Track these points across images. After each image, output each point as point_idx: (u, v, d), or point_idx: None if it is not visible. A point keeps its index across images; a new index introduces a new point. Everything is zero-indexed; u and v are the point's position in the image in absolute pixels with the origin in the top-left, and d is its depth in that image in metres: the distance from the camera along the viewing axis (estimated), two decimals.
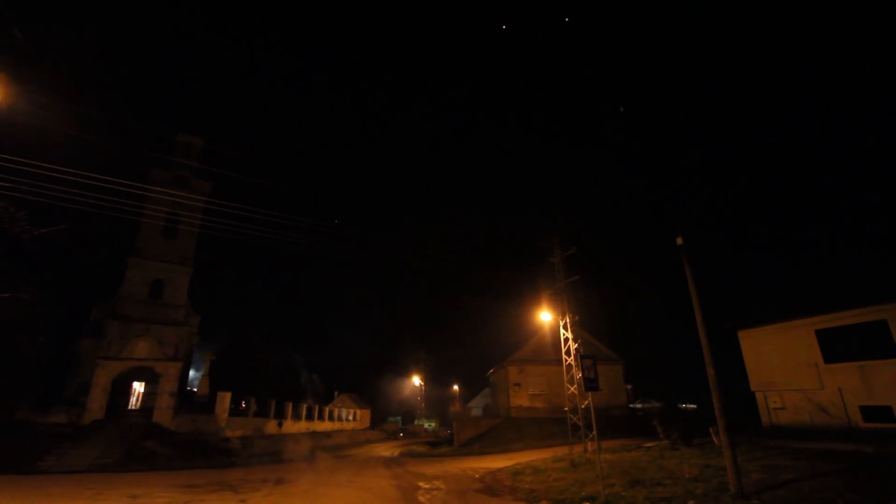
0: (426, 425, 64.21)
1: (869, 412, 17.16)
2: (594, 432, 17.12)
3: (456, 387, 67.73)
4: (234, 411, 30.57)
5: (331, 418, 44.54)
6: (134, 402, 33.02)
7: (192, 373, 41.85)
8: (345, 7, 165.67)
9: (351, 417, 52.04)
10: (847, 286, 19.85)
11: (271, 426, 32.48)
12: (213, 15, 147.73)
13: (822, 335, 19.13)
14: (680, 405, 50.86)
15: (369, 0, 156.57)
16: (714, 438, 18.05)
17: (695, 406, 49.49)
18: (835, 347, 18.64)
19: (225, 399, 29.09)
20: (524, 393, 34.28)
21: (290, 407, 35.40)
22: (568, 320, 21.54)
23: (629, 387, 41.03)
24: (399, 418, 69.49)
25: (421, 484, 15.24)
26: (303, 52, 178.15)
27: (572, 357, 21.38)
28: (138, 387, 33.30)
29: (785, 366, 20.18)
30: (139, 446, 23.21)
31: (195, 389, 37.63)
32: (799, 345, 19.73)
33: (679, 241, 12.41)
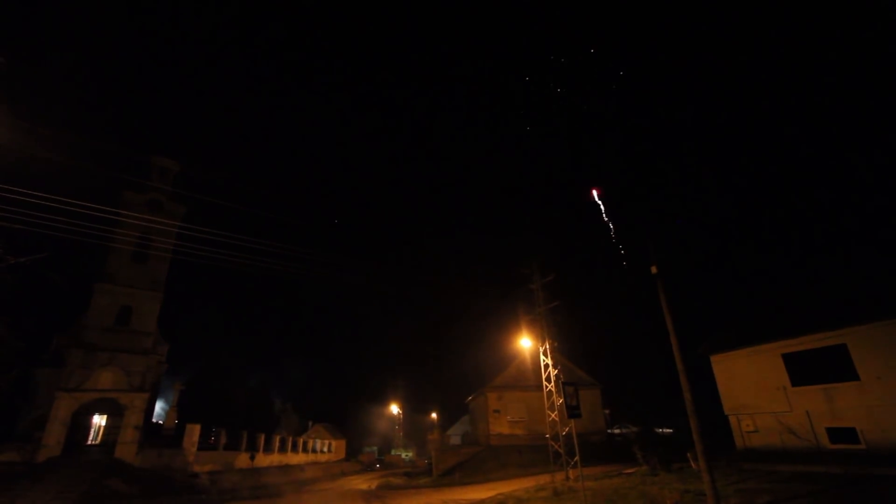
0: (403, 455, 62.55)
1: (835, 434, 17.81)
2: (576, 459, 17.19)
3: (434, 414, 66.54)
4: (204, 444, 29.20)
5: (305, 450, 42.91)
6: (94, 436, 31.14)
7: (158, 404, 39.93)
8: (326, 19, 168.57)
9: (326, 449, 50.26)
10: (811, 310, 20.79)
11: (243, 460, 31.08)
12: (185, 31, 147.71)
13: (788, 359, 19.89)
14: (657, 430, 51.39)
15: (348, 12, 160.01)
16: (692, 463, 18.32)
17: (671, 430, 50.11)
18: (801, 371, 19.39)
19: (194, 432, 27.78)
20: (504, 420, 34.04)
21: (262, 439, 34.02)
22: (548, 346, 21.81)
23: (607, 412, 41.28)
24: (375, 448, 67.47)
25: None
26: (282, 69, 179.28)
27: (552, 383, 21.55)
28: (99, 420, 31.49)
29: (755, 389, 20.83)
30: (100, 485, 21.80)
31: (162, 422, 35.84)
32: (767, 368, 20.46)
33: (654, 269, 12.93)
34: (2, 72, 11.10)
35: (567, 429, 20.23)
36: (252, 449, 32.34)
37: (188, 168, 40.61)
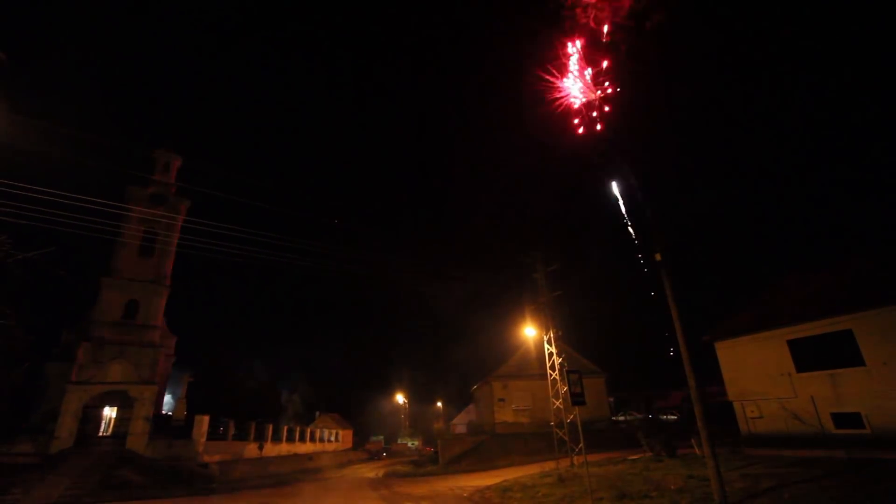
0: (409, 444, 63.24)
1: (840, 419, 17.82)
2: (580, 446, 17.33)
3: (439, 403, 67.09)
4: (213, 435, 29.57)
5: (312, 439, 43.48)
6: (104, 428, 31.61)
7: (167, 396, 40.45)
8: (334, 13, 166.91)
9: (333, 438, 50.92)
10: (817, 296, 20.66)
11: (251, 449, 31.52)
12: (189, 27, 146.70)
13: (793, 345, 19.83)
14: (661, 416, 51.61)
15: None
16: (696, 449, 18.42)
17: (675, 417, 50.34)
18: (806, 357, 19.35)
19: (203, 422, 28.15)
20: (509, 408, 34.29)
21: (270, 429, 34.47)
22: (552, 335, 21.86)
23: (611, 399, 41.48)
24: (381, 437, 68.24)
25: None
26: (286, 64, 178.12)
27: (557, 371, 21.64)
28: (109, 412, 31.92)
29: (760, 375, 20.83)
30: (112, 475, 22.20)
31: (171, 413, 36.30)
32: (772, 355, 20.42)
33: (658, 257, 12.83)
34: (3, 68, 11.08)
35: (571, 416, 20.36)
36: (260, 439, 32.77)
37: (192, 162, 40.65)
